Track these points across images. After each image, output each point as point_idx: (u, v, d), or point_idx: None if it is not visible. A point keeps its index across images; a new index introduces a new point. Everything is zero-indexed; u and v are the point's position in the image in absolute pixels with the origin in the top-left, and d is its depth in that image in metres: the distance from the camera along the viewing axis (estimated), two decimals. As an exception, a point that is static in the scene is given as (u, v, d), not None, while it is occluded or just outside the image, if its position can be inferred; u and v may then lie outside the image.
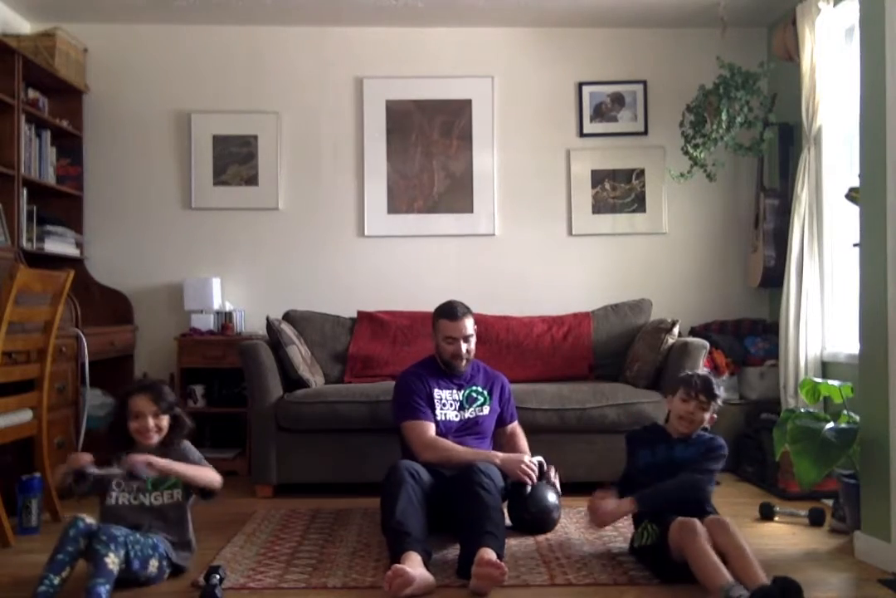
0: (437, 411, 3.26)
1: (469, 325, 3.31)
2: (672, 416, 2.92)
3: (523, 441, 3.43)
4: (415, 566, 2.52)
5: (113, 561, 2.37)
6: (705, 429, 2.93)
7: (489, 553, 2.56)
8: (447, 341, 3.29)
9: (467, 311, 3.35)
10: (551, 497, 3.13)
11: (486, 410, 3.35)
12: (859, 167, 2.96)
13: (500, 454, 3.16)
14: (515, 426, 3.50)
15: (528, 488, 3.07)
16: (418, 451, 3.15)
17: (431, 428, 3.21)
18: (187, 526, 2.74)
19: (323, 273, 4.70)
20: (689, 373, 3.00)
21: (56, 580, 2.34)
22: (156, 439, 2.72)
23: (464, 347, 3.29)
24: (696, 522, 2.53)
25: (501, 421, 3.44)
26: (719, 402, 2.90)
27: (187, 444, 2.81)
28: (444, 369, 3.36)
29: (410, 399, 3.26)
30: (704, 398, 2.84)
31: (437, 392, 3.29)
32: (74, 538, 2.41)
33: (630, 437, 2.99)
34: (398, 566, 2.46)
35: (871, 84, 2.87)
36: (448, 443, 3.18)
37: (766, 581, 2.35)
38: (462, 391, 3.35)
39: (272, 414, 3.75)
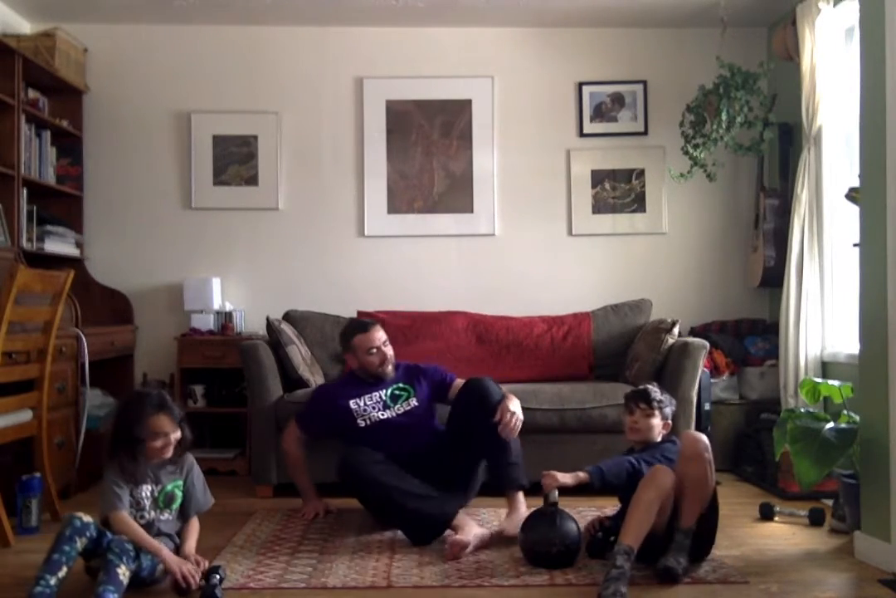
0: (359, 420, 3.34)
1: (382, 332, 3.46)
2: (626, 431, 2.98)
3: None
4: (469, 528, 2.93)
5: (124, 573, 2.35)
6: (671, 440, 2.94)
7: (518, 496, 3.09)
8: (370, 353, 3.39)
9: (373, 321, 3.59)
10: (575, 528, 2.83)
11: (413, 402, 3.41)
12: (859, 167, 2.96)
13: None
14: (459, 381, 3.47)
15: (558, 520, 2.78)
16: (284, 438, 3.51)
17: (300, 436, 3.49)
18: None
19: (323, 273, 4.70)
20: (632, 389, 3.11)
21: (52, 581, 2.29)
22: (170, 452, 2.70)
23: (387, 351, 3.42)
24: (665, 472, 2.62)
25: (442, 387, 3.46)
26: (666, 409, 2.94)
27: (193, 464, 2.78)
28: (367, 380, 3.44)
29: (310, 409, 3.51)
30: (644, 405, 2.92)
31: (353, 402, 3.38)
32: (70, 537, 2.36)
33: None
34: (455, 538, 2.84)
35: (871, 84, 2.86)
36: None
37: (692, 526, 2.60)
38: (384, 391, 3.42)
39: (272, 414, 3.75)
